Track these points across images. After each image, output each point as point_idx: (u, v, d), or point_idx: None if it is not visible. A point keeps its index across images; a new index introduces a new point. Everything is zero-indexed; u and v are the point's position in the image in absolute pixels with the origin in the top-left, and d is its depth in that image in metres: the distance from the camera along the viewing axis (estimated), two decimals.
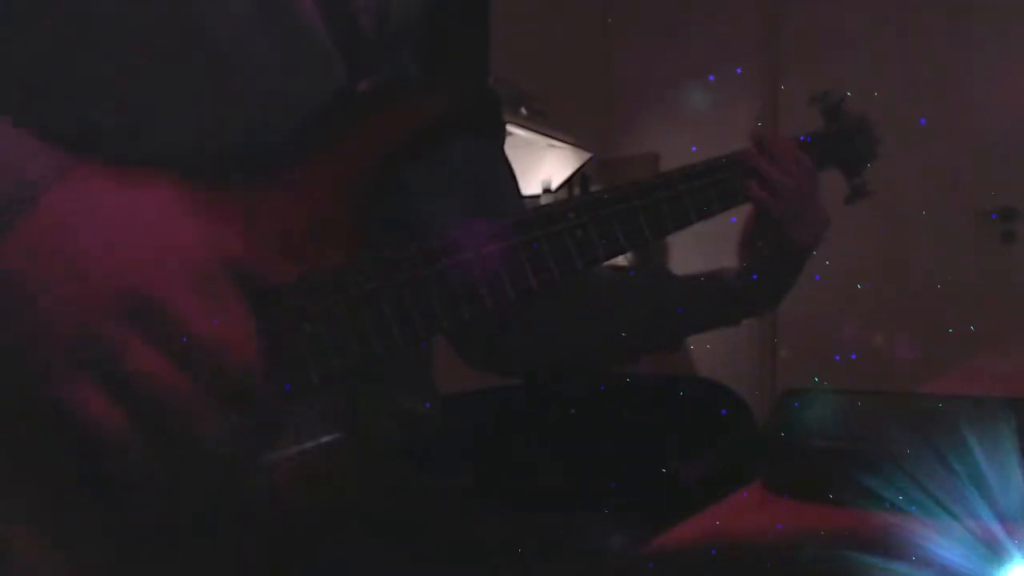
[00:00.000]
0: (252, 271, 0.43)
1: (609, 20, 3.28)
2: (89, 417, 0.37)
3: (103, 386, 0.37)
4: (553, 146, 2.91)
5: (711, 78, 3.07)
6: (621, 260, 0.67)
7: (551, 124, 2.77)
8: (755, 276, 0.82)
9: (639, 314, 0.82)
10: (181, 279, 0.39)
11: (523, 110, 2.63)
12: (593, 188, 2.94)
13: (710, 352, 2.92)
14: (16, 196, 0.38)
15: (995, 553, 0.40)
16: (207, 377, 0.39)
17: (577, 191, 2.96)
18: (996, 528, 0.42)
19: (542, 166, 2.95)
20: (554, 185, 2.95)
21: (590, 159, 3.11)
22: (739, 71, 3.06)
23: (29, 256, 0.37)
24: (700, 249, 0.90)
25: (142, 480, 0.38)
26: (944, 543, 0.39)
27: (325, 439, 0.47)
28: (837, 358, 2.53)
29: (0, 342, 0.37)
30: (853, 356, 2.45)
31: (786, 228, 0.80)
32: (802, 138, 0.84)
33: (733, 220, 0.82)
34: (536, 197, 2.83)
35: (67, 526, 0.40)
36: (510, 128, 2.50)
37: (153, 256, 0.39)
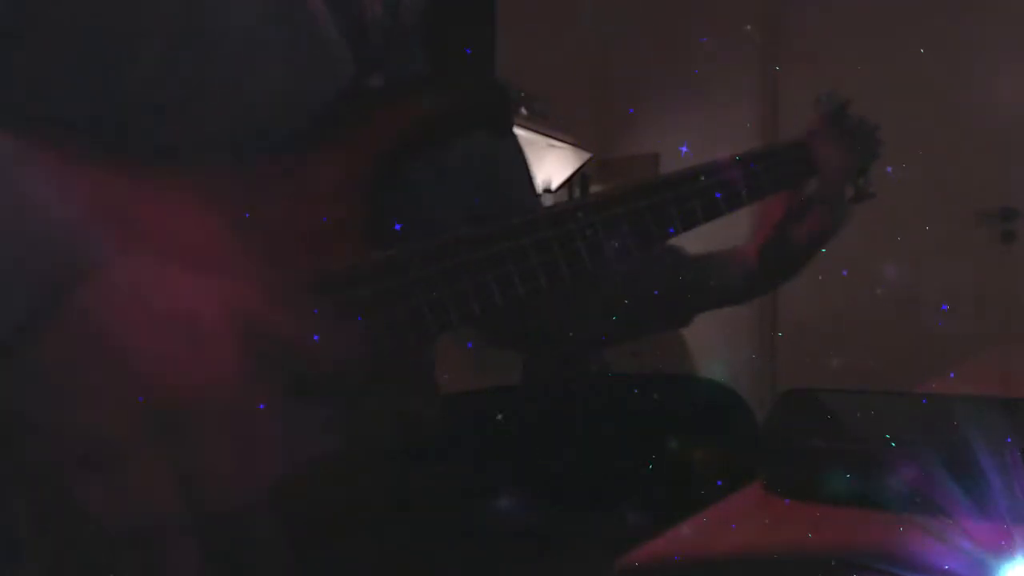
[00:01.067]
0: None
1: (610, 20, 3.28)
2: (88, 510, 0.36)
3: (106, 489, 0.36)
4: (553, 146, 2.91)
5: (711, 78, 3.07)
6: None
7: (551, 124, 2.77)
8: (772, 261, 0.84)
9: (653, 290, 0.83)
10: (199, 400, 0.38)
11: (523, 110, 2.63)
12: (593, 188, 2.94)
13: (710, 351, 2.92)
14: (65, 279, 0.37)
15: (995, 554, 0.40)
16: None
17: (577, 191, 2.96)
18: (996, 529, 0.42)
19: (542, 166, 2.95)
20: (554, 185, 2.95)
21: (590, 159, 3.11)
22: (739, 71, 3.06)
23: (66, 345, 0.36)
24: (701, 246, 0.90)
25: None
26: (944, 544, 0.39)
27: (327, 440, 0.47)
28: (837, 358, 2.53)
29: (20, 424, 0.36)
30: (853, 356, 2.45)
31: (820, 213, 0.82)
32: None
33: None
34: (539, 195, 2.82)
35: None
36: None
37: (184, 368, 0.38)
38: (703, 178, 0.68)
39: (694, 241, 0.77)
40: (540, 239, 0.56)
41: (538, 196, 0.87)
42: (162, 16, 0.51)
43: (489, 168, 0.79)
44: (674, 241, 0.69)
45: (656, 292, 0.83)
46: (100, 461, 0.36)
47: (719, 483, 0.66)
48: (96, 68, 0.50)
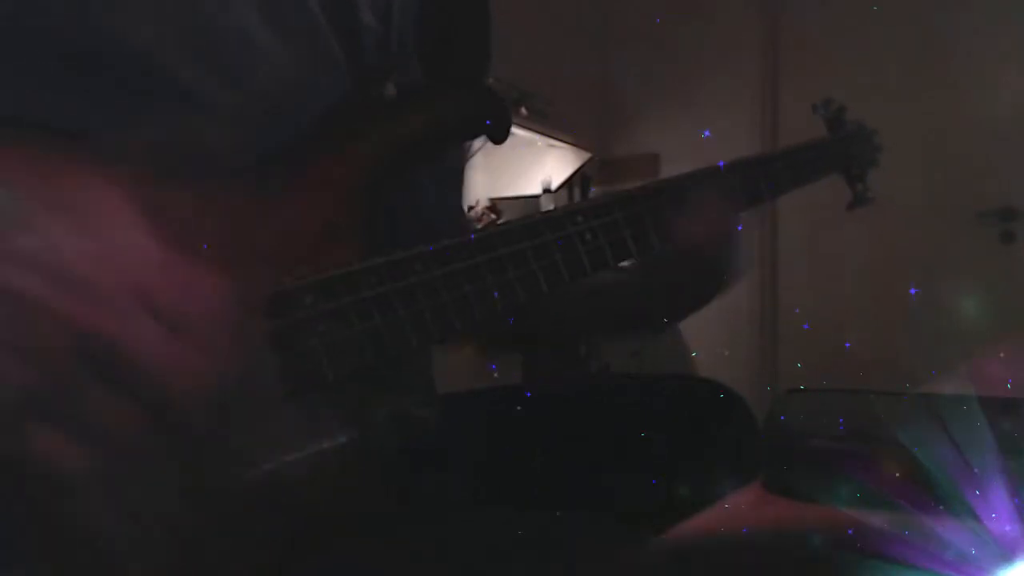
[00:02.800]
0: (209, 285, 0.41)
1: (610, 20, 3.29)
2: (49, 463, 0.35)
3: (58, 432, 0.35)
4: (553, 146, 2.92)
5: (711, 78, 3.07)
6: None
7: (551, 124, 2.77)
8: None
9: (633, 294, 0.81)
10: (133, 308, 0.37)
11: (523, 110, 2.63)
12: (593, 188, 2.94)
13: (709, 351, 2.92)
14: None
15: (995, 551, 0.40)
16: (153, 411, 0.37)
17: (577, 191, 2.96)
18: (995, 527, 0.42)
19: (542, 166, 2.95)
20: (554, 185, 2.95)
21: (590, 159, 3.11)
22: (739, 72, 3.06)
23: None
24: None
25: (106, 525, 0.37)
26: (943, 541, 0.39)
27: (327, 440, 0.47)
28: (837, 358, 2.53)
29: None
30: (853, 356, 2.45)
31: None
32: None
33: None
34: (536, 197, 2.83)
35: None
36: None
37: (104, 282, 0.37)
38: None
39: None
40: (539, 244, 0.56)
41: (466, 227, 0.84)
42: (160, 21, 0.51)
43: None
44: None
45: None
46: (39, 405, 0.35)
47: (719, 483, 0.66)
48: (84, 71, 0.50)
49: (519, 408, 0.83)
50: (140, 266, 0.38)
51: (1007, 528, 0.42)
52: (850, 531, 0.49)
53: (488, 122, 0.61)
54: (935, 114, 2.64)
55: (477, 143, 0.65)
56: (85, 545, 0.36)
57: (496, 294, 0.54)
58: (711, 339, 2.87)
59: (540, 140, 2.80)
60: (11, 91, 0.49)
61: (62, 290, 0.36)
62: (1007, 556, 0.40)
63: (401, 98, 0.59)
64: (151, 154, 0.50)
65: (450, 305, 0.52)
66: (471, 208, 2.37)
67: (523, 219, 0.57)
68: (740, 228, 0.73)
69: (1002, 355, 1.35)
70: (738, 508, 0.57)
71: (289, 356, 0.46)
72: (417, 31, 0.68)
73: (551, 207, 0.62)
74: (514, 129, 2.58)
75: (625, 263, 0.64)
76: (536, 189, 2.89)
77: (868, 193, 0.92)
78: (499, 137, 0.64)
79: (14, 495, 0.36)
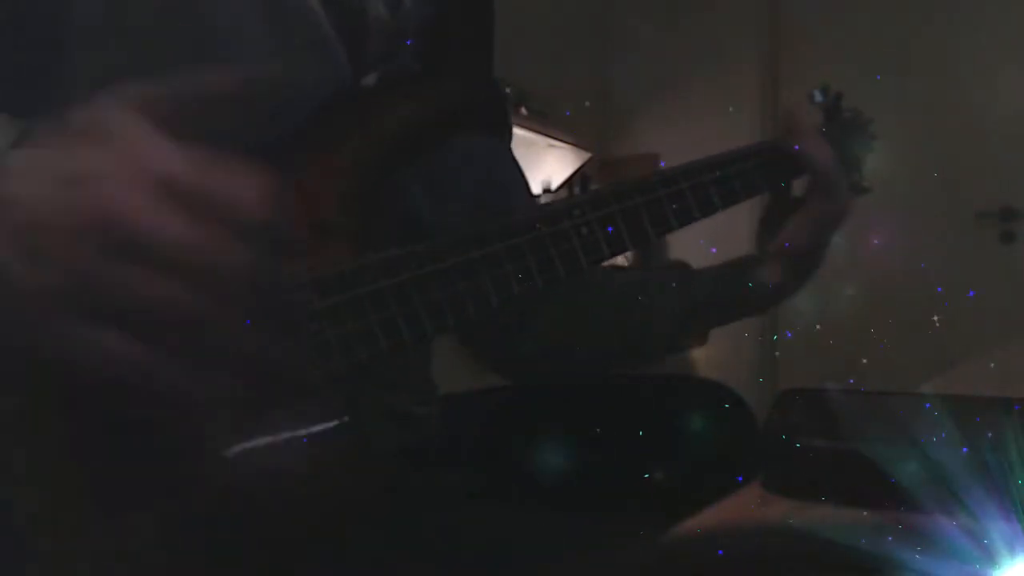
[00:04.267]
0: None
1: (610, 20, 3.28)
2: (115, 362, 0.35)
3: (113, 329, 0.35)
4: (553, 146, 2.91)
5: (711, 78, 3.07)
6: (619, 259, 0.67)
7: (551, 124, 2.77)
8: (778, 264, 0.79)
9: (670, 313, 0.80)
10: (145, 192, 0.36)
11: (523, 110, 2.63)
12: (593, 188, 2.94)
13: (710, 352, 2.91)
14: None
15: (994, 551, 0.40)
16: (205, 282, 0.36)
17: (577, 191, 2.96)
18: (995, 526, 0.42)
19: (542, 166, 2.95)
20: (554, 185, 2.95)
21: (590, 159, 3.11)
22: (739, 71, 3.06)
23: None
24: (699, 243, 0.89)
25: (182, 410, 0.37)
26: (944, 541, 0.39)
27: (325, 439, 0.47)
28: (837, 358, 2.53)
29: None
30: (853, 356, 2.45)
31: (814, 210, 0.76)
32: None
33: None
34: (536, 197, 2.83)
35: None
36: None
37: (114, 175, 0.36)
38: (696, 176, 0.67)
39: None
40: (535, 238, 0.56)
41: (534, 199, 0.84)
42: (155, 13, 0.51)
43: (486, 170, 0.78)
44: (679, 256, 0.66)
45: (672, 315, 0.79)
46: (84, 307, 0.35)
47: (719, 482, 0.66)
48: (80, 64, 0.50)
49: (519, 408, 0.83)
50: (159, 160, 0.37)
51: (1007, 528, 0.42)
52: (850, 531, 0.49)
53: (485, 114, 0.60)
54: (935, 114, 2.64)
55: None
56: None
57: (490, 290, 0.54)
58: (711, 339, 2.86)
59: (540, 140, 2.80)
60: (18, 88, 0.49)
61: (76, 188, 0.36)
62: (1007, 556, 0.40)
63: (393, 89, 0.59)
64: None
65: (445, 302, 0.52)
66: None
67: (518, 214, 0.57)
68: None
69: (1002, 355, 1.35)
70: (738, 508, 0.57)
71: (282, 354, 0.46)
72: (422, 23, 0.68)
73: (551, 202, 0.62)
74: (514, 129, 2.58)
75: (621, 256, 0.63)
76: (536, 189, 2.89)
77: (864, 183, 0.92)
78: (498, 130, 0.64)
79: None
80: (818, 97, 0.90)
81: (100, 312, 0.35)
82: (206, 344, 0.37)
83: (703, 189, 0.68)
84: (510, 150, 0.79)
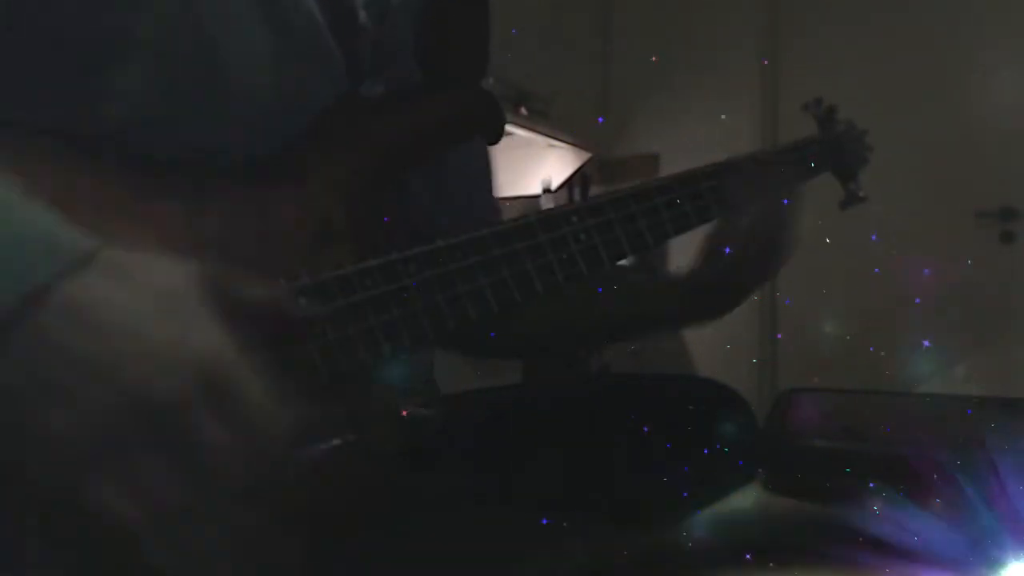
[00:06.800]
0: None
1: (610, 20, 3.28)
2: (114, 518, 0.35)
3: (126, 489, 0.35)
4: (553, 146, 2.91)
5: (711, 78, 3.07)
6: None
7: (551, 124, 2.77)
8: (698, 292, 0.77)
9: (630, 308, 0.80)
10: (192, 383, 0.37)
11: (523, 110, 2.63)
12: (593, 188, 2.94)
13: (710, 351, 2.91)
14: (31, 286, 0.36)
15: (994, 551, 0.40)
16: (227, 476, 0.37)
17: (577, 191, 2.96)
18: (995, 526, 0.43)
19: (542, 166, 2.95)
20: (554, 185, 2.95)
21: (590, 159, 3.11)
22: (739, 71, 3.06)
23: (38, 357, 0.35)
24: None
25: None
26: (944, 540, 0.39)
27: (328, 440, 0.47)
28: (837, 358, 2.53)
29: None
30: (853, 356, 2.45)
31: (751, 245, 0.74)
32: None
33: None
34: (536, 197, 2.83)
35: None
36: (510, 128, 2.50)
37: (167, 357, 0.37)
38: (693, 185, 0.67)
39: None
40: (534, 244, 0.56)
41: (496, 196, 0.83)
42: (157, 22, 0.51)
43: (474, 173, 0.79)
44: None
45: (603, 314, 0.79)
46: (102, 457, 0.35)
47: (719, 482, 0.66)
48: (86, 72, 0.50)
49: (519, 408, 0.83)
50: (210, 352, 0.38)
51: (1007, 526, 0.42)
52: (850, 531, 0.49)
53: (483, 121, 0.61)
54: (935, 114, 2.64)
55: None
56: None
57: (489, 294, 0.54)
58: (711, 339, 2.87)
59: (540, 140, 2.80)
60: (18, 92, 0.49)
61: (134, 359, 0.36)
62: (1007, 555, 0.41)
63: (394, 99, 0.59)
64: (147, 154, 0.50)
65: (444, 306, 0.52)
66: None
67: (517, 219, 0.57)
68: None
69: (1002, 355, 1.35)
70: (738, 508, 0.57)
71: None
72: (415, 31, 0.68)
73: (551, 207, 0.62)
74: (514, 129, 2.58)
75: (622, 262, 0.64)
76: (536, 189, 2.89)
77: (860, 192, 0.93)
78: (492, 138, 0.65)
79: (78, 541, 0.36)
80: (812, 108, 0.91)
81: (106, 474, 0.35)
82: (192, 535, 0.37)
83: (698, 198, 0.68)
84: (485, 145, 0.80)
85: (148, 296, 0.38)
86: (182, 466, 0.36)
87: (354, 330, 0.49)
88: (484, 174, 0.81)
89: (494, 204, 0.83)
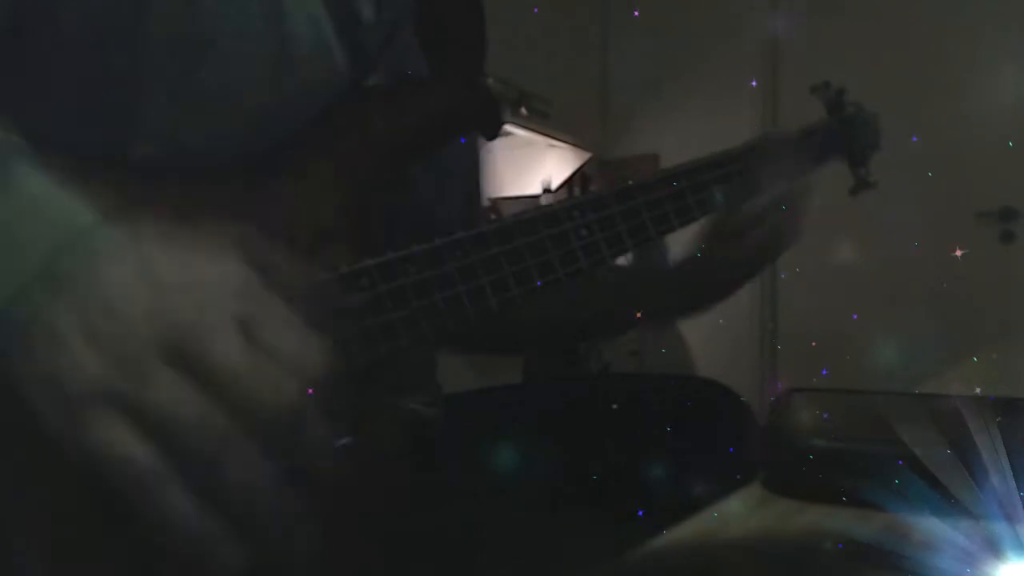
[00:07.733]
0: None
1: (609, 20, 3.28)
2: (114, 453, 0.35)
3: (132, 423, 0.36)
4: (553, 146, 2.92)
5: (711, 78, 3.07)
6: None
7: (551, 124, 2.77)
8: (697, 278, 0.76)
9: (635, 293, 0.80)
10: (223, 321, 0.38)
11: (523, 110, 2.63)
12: (593, 188, 2.94)
13: (710, 351, 2.92)
14: (66, 245, 0.37)
15: (994, 552, 0.40)
16: (243, 418, 0.37)
17: (577, 191, 2.97)
18: (996, 527, 0.43)
19: (542, 166, 2.95)
20: (554, 185, 2.95)
21: (590, 159, 3.11)
22: (739, 71, 3.06)
23: (72, 306, 0.36)
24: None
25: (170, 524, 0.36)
26: (944, 542, 0.39)
27: (332, 440, 0.47)
28: (837, 358, 2.53)
29: (29, 380, 0.36)
30: (853, 356, 2.45)
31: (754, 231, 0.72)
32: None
33: None
34: (536, 197, 2.83)
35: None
36: (510, 128, 2.50)
37: (194, 297, 0.38)
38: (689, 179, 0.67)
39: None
40: (534, 241, 0.56)
41: (481, 195, 0.84)
42: (159, 18, 0.51)
43: (469, 167, 0.79)
44: None
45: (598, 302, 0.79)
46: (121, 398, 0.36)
47: (719, 482, 0.66)
48: (91, 72, 0.50)
49: (520, 408, 0.83)
50: (247, 297, 0.39)
51: (1008, 528, 0.42)
52: (851, 531, 0.49)
53: (480, 115, 0.61)
54: (935, 114, 2.64)
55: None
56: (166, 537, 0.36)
57: (490, 292, 0.54)
58: (711, 339, 2.87)
59: (540, 140, 2.80)
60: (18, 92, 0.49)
61: (162, 294, 0.37)
62: (1008, 556, 0.41)
63: (390, 94, 0.59)
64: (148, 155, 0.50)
65: (443, 305, 0.52)
66: None
67: (517, 215, 0.57)
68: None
69: (1002, 355, 1.35)
70: (738, 508, 0.57)
71: None
72: (410, 25, 0.68)
73: (551, 204, 0.61)
74: (514, 129, 2.58)
75: (622, 258, 0.63)
76: (536, 189, 2.89)
77: (870, 177, 0.91)
78: (489, 133, 0.64)
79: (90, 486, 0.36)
80: (823, 91, 0.89)
81: (137, 416, 0.36)
82: (220, 478, 0.37)
83: (703, 189, 0.68)
84: (475, 143, 0.80)
85: (189, 250, 0.39)
86: (213, 393, 0.36)
87: (352, 331, 0.49)
88: (474, 170, 0.81)
89: (481, 200, 0.83)
